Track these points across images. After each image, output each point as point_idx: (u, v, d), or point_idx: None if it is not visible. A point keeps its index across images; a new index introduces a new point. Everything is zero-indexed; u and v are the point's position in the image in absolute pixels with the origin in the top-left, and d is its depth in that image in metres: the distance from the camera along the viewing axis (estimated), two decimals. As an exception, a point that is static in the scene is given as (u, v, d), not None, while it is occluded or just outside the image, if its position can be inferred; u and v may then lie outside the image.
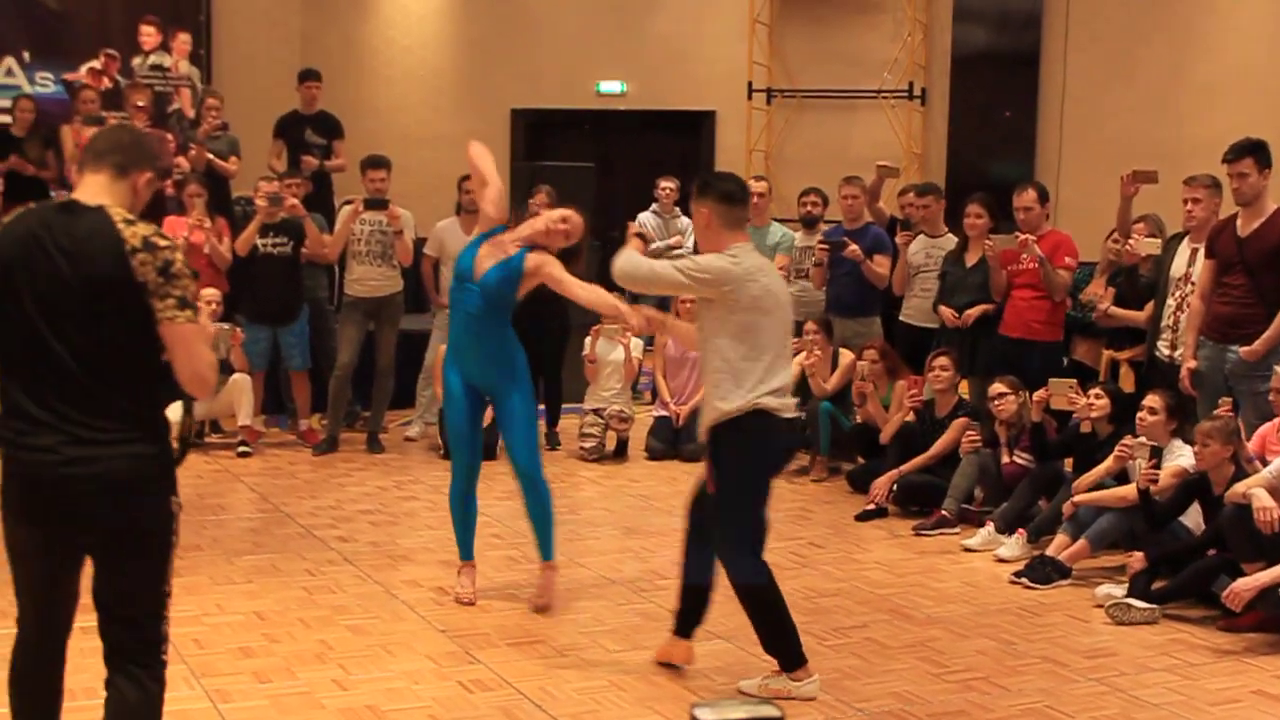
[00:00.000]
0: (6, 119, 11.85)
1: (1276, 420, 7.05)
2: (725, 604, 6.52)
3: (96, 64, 13.29)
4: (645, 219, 12.03)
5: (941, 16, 14.85)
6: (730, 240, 5.32)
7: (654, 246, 11.89)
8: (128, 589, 3.81)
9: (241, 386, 9.76)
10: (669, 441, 10.03)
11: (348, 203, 10.06)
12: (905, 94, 14.89)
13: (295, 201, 9.95)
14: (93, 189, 3.76)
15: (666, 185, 12.01)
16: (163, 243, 3.63)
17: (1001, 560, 7.43)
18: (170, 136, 11.76)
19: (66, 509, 3.67)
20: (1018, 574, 7.11)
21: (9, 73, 13.63)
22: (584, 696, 5.34)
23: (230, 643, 5.81)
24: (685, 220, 12.09)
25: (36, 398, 3.63)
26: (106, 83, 13.12)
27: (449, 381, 6.46)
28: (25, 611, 3.97)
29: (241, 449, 9.75)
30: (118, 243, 3.59)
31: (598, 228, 12.71)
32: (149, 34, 12.83)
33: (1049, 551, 7.19)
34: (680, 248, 11.96)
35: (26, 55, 13.68)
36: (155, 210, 10.88)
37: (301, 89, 11.77)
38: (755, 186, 10.21)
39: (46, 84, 13.62)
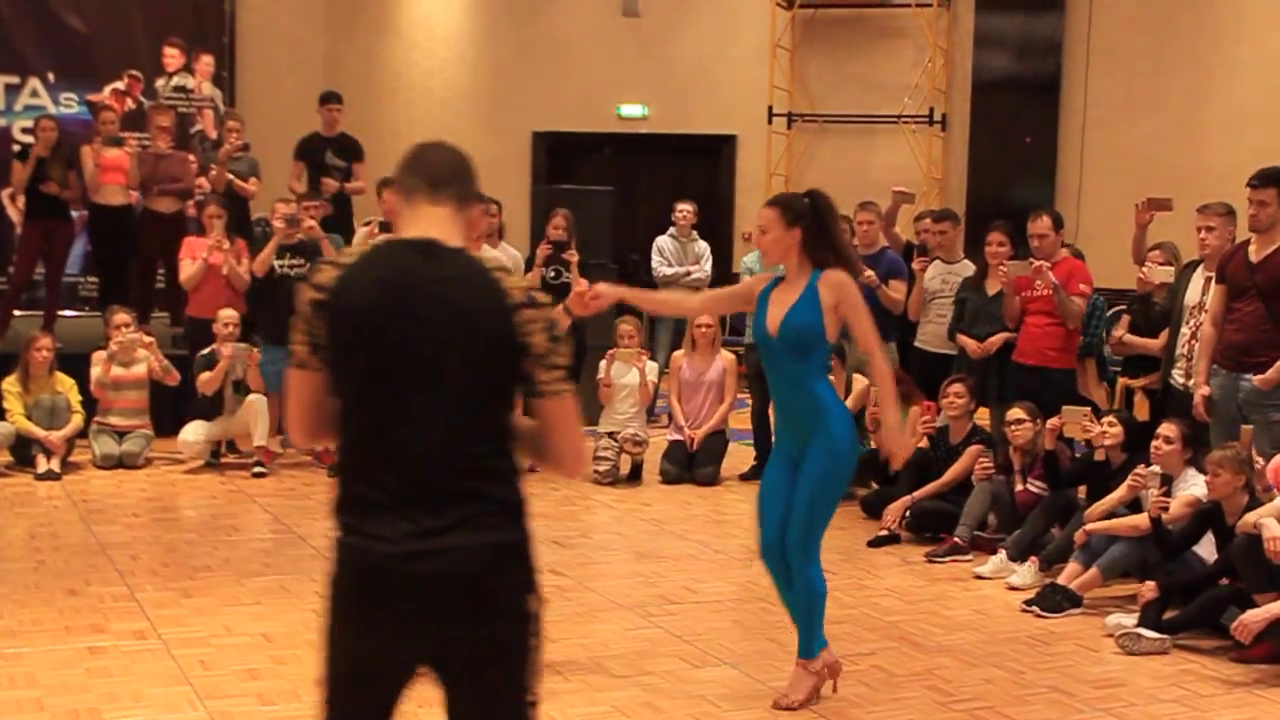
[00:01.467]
0: (30, 139, 11.94)
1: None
2: (731, 630, 6.54)
3: (120, 85, 13.40)
4: (663, 243, 12.06)
5: (962, 42, 14.86)
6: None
7: (670, 272, 11.93)
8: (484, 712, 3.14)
9: (258, 407, 9.80)
10: (683, 465, 10.02)
11: (366, 224, 10.10)
12: (926, 119, 14.89)
13: (312, 223, 10.00)
14: (435, 225, 3.12)
15: (684, 209, 12.02)
16: (541, 297, 3.06)
17: (1013, 588, 7.40)
18: (192, 158, 11.82)
19: (409, 609, 3.00)
20: (1029, 602, 7.08)
21: (34, 93, 13.74)
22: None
23: (236, 664, 5.81)
24: (703, 244, 12.11)
25: (384, 472, 3.01)
26: (130, 104, 13.23)
27: None
28: None
29: (257, 469, 9.78)
30: (499, 295, 3.02)
31: (617, 251, 12.80)
32: (173, 56, 12.93)
33: (1061, 580, 7.15)
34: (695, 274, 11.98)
35: (51, 76, 13.79)
36: (175, 231, 10.97)
37: (323, 111, 11.82)
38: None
39: (70, 104, 13.73)
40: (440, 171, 3.16)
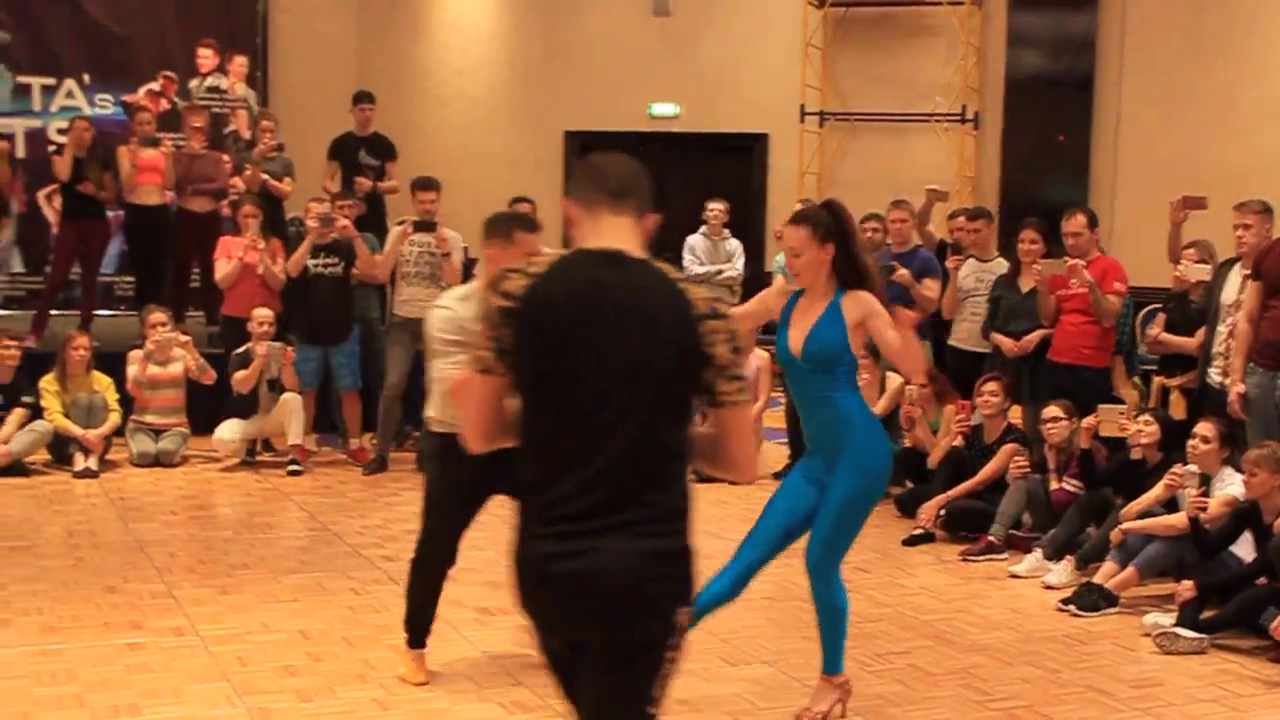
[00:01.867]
0: (65, 139, 12.01)
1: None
2: (768, 628, 6.54)
3: (155, 86, 13.47)
4: (695, 241, 12.04)
5: (995, 40, 14.81)
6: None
7: (701, 271, 11.90)
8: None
9: (292, 406, 9.84)
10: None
11: (399, 223, 10.14)
12: (958, 118, 14.84)
13: (346, 222, 10.04)
14: (618, 235, 3.18)
15: (715, 207, 12.00)
16: (723, 308, 3.13)
17: (1049, 587, 7.38)
18: (226, 157, 11.88)
19: (561, 604, 3.12)
20: (1065, 601, 7.06)
21: (69, 94, 13.82)
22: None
23: (274, 661, 5.85)
24: (735, 243, 12.08)
25: (562, 476, 3.07)
26: (165, 104, 13.30)
27: None
28: None
29: (292, 468, 9.82)
30: (685, 306, 3.07)
31: (650, 249, 12.79)
32: (206, 56, 12.99)
33: (1097, 579, 7.13)
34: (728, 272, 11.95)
35: (87, 78, 13.87)
36: (210, 231, 11.03)
37: (356, 110, 11.86)
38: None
39: (106, 105, 13.81)
40: (620, 183, 3.23)
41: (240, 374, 9.81)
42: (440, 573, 5.73)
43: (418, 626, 5.79)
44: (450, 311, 5.50)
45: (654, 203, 3.26)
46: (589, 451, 3.05)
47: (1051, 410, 8.06)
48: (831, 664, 5.45)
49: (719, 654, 6.15)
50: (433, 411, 5.62)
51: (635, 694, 3.15)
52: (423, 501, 5.67)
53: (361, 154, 11.71)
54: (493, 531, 6.55)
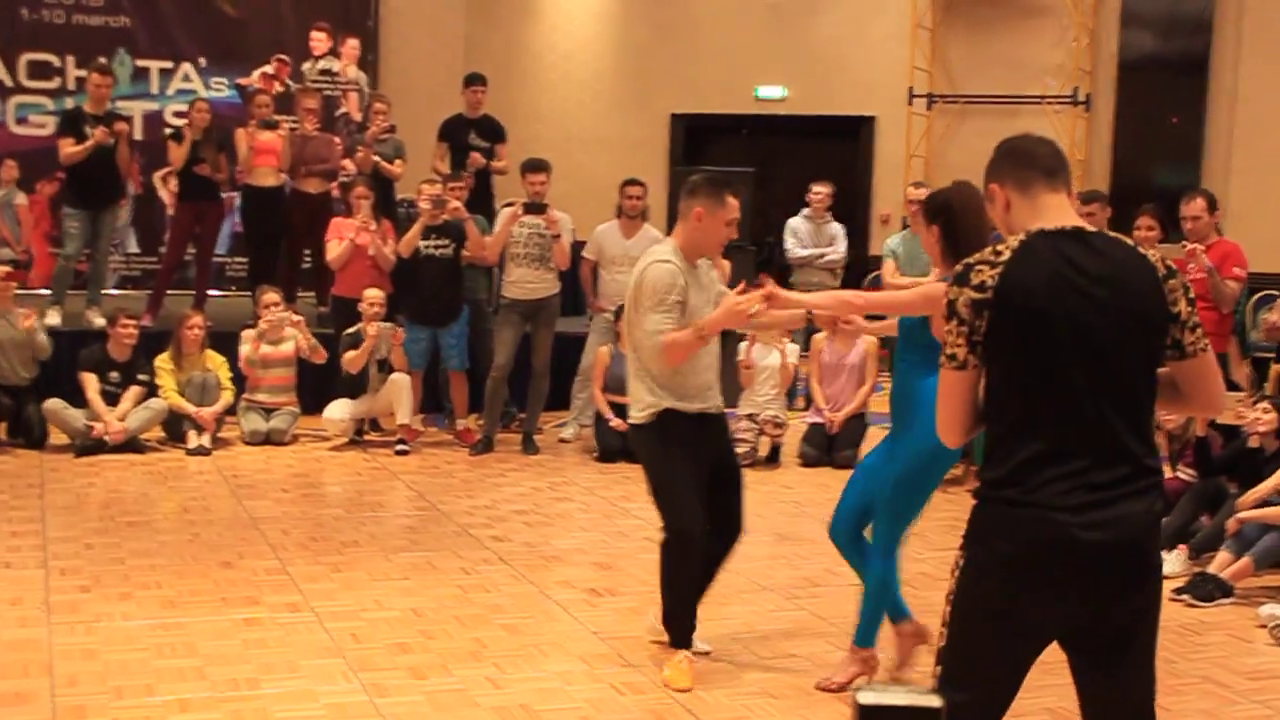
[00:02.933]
0: (182, 121, 12.22)
1: None
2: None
3: (269, 69, 13.63)
4: (796, 224, 11.99)
5: (1108, 21, 14.58)
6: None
7: (804, 253, 11.86)
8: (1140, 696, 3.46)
9: (401, 385, 9.95)
10: (822, 448, 9.99)
11: (508, 205, 10.19)
12: (1070, 100, 14.64)
13: (458, 204, 10.10)
14: (1062, 211, 3.33)
15: (819, 190, 11.94)
16: (1177, 267, 3.30)
17: (1163, 576, 7.27)
18: (337, 140, 12.00)
19: (1088, 579, 3.21)
20: (1179, 591, 6.96)
21: (186, 78, 14.05)
22: (734, 703, 5.36)
23: (387, 638, 5.92)
24: (837, 226, 12.02)
25: (1073, 448, 3.18)
26: (278, 87, 13.45)
27: None
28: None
29: (400, 447, 9.93)
30: (1149, 270, 3.23)
31: (755, 232, 12.76)
32: (319, 39, 13.10)
33: (1211, 569, 7.03)
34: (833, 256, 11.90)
35: (203, 61, 14.09)
36: (322, 212, 11.16)
37: (466, 93, 11.92)
38: (915, 194, 10.15)
39: (221, 88, 14.01)
40: (1052, 161, 3.40)
41: (350, 354, 9.92)
42: (699, 549, 5.52)
43: (681, 622, 5.63)
44: (673, 266, 5.45)
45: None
46: (1101, 423, 3.18)
47: (1166, 397, 7.94)
48: (865, 637, 5.49)
49: (827, 638, 6.14)
50: (635, 400, 5.57)
51: (1150, 659, 3.37)
52: (652, 489, 5.59)
53: (471, 136, 11.77)
54: (597, 513, 6.58)
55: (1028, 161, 3.38)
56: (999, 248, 3.26)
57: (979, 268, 3.21)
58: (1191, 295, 3.27)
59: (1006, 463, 3.21)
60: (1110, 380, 3.19)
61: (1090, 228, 3.28)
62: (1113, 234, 3.31)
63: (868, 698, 2.15)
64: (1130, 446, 3.21)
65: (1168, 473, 7.91)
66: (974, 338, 3.21)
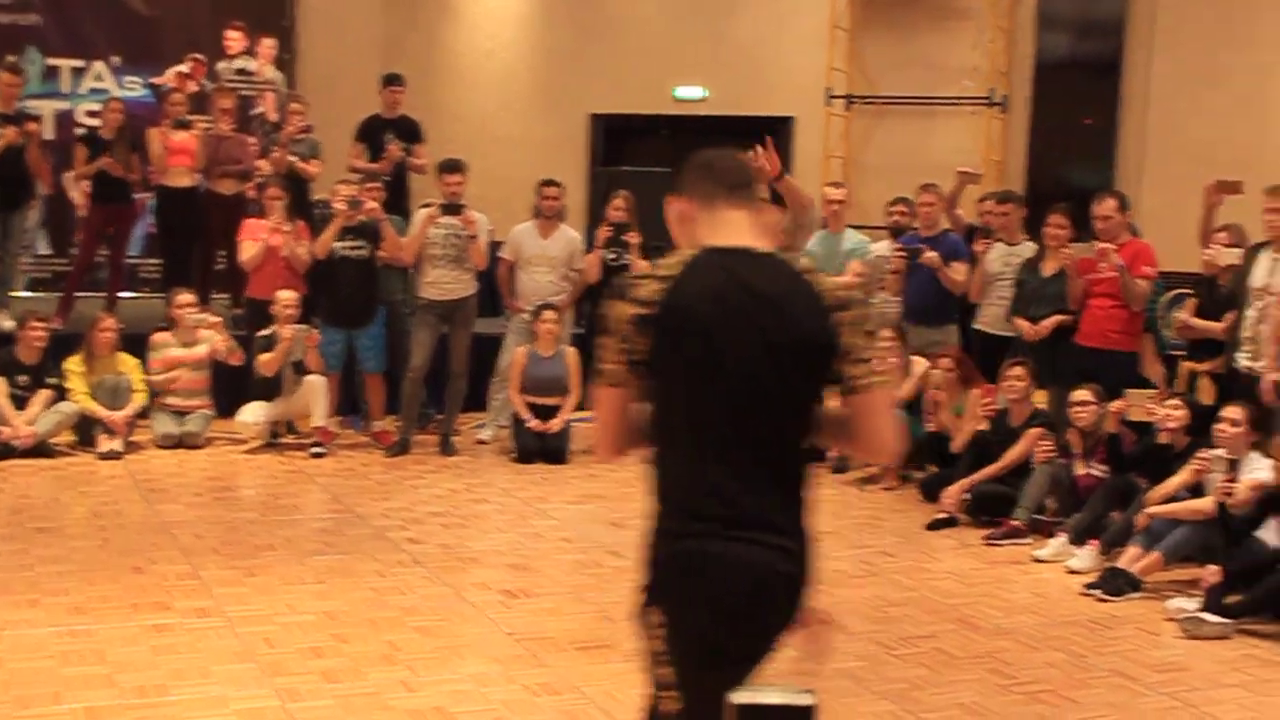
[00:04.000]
0: (96, 122, 12.05)
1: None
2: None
3: (184, 68, 13.46)
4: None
5: (1024, 23, 14.72)
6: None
7: None
8: None
9: (317, 388, 9.87)
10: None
11: (425, 206, 10.14)
12: (986, 101, 14.77)
13: (374, 205, 10.04)
14: (738, 228, 3.20)
15: None
16: (852, 295, 3.17)
17: (1073, 572, 7.37)
18: (252, 140, 11.89)
19: (755, 613, 3.08)
20: (1089, 585, 7.05)
21: (98, 77, 13.83)
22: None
23: (300, 642, 5.86)
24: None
25: (729, 472, 3.08)
26: (193, 86, 13.27)
27: None
28: None
29: (316, 450, 9.85)
30: (818, 300, 3.09)
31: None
32: (235, 39, 12.96)
33: (1121, 563, 7.12)
34: None
35: (116, 60, 13.89)
36: (236, 213, 11.05)
37: (384, 93, 11.85)
38: (833, 193, 10.19)
39: (134, 88, 13.81)
40: (736, 176, 3.25)
41: (265, 356, 9.83)
42: None
43: None
44: None
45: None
46: (732, 446, 3.06)
47: (1080, 394, 8.03)
48: None
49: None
50: None
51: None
52: None
53: (389, 136, 11.70)
54: (513, 514, 6.57)
55: (712, 176, 3.24)
56: (665, 262, 3.16)
57: (642, 282, 3.10)
58: (869, 329, 3.15)
59: (664, 487, 3.16)
60: (767, 403, 3.06)
61: (764, 249, 3.16)
62: (786, 257, 3.18)
63: (742, 697, 2.16)
64: (776, 473, 3.10)
65: (1079, 468, 8.01)
66: (632, 355, 3.08)
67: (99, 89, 13.56)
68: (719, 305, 3.05)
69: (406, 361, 10.14)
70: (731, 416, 3.06)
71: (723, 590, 3.03)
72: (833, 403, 3.15)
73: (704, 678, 3.05)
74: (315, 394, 9.87)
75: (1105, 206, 8.63)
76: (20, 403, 9.51)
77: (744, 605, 3.04)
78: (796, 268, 3.14)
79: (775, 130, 15.71)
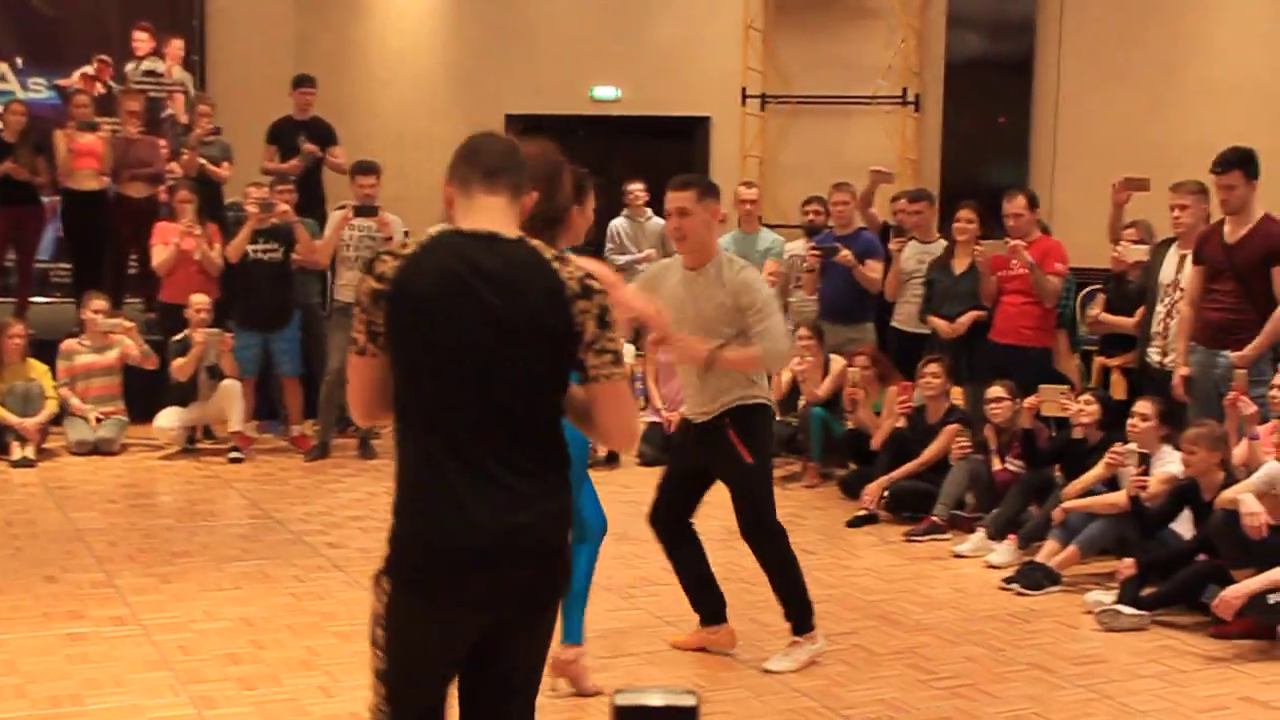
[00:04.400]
0: (-2, 125, 11.85)
1: (1270, 424, 7.05)
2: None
3: (90, 69, 13.26)
4: (618, 225, 11.92)
5: (935, 23, 14.84)
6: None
7: (623, 260, 11.76)
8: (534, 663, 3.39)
9: (232, 392, 9.77)
10: (661, 448, 9.99)
11: (340, 208, 10.06)
12: (899, 100, 14.87)
13: (286, 207, 9.95)
14: (493, 215, 3.24)
15: (635, 188, 11.88)
16: (595, 285, 3.18)
17: (992, 566, 7.43)
18: (163, 142, 11.73)
19: (487, 577, 3.16)
20: (1008, 580, 7.11)
21: (2, 78, 13.60)
22: (568, 702, 5.34)
23: (217, 649, 5.80)
24: (658, 221, 12.01)
25: (455, 454, 3.13)
26: (100, 88, 13.09)
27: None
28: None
29: (233, 455, 9.75)
30: (556, 287, 3.14)
31: (592, 232, 12.75)
32: (142, 39, 12.79)
33: (1039, 558, 7.18)
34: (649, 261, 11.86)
35: (20, 61, 13.64)
36: (147, 216, 10.90)
37: (295, 94, 11.74)
38: (744, 193, 10.23)
39: (39, 89, 13.59)
40: (494, 161, 3.28)
41: (179, 361, 9.71)
42: (658, 534, 6.08)
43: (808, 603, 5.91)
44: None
45: (529, 181, 3.35)
46: (460, 430, 3.12)
47: (995, 391, 8.11)
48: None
49: (664, 637, 6.17)
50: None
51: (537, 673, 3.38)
52: (757, 480, 5.76)
53: (301, 138, 11.59)
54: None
55: (471, 161, 3.30)
56: (406, 241, 3.30)
57: (384, 258, 3.19)
58: (609, 319, 3.18)
59: (400, 460, 3.22)
60: (495, 387, 3.13)
61: (509, 234, 3.21)
62: (533, 244, 3.22)
63: (624, 699, 2.14)
64: (507, 454, 3.15)
65: (996, 464, 8.08)
66: (373, 326, 3.16)
67: (3, 90, 13.32)
68: (444, 286, 3.11)
69: (323, 365, 10.06)
70: (451, 394, 3.13)
71: (442, 567, 3.13)
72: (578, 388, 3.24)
73: (419, 646, 3.21)
74: (231, 399, 9.77)
75: (1015, 204, 8.73)
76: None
77: (461, 580, 3.13)
78: (542, 255, 3.18)
79: (691, 130, 15.80)
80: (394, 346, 3.16)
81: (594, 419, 3.26)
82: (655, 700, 2.19)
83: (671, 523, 5.97)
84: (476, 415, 3.12)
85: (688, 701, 2.19)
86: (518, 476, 3.14)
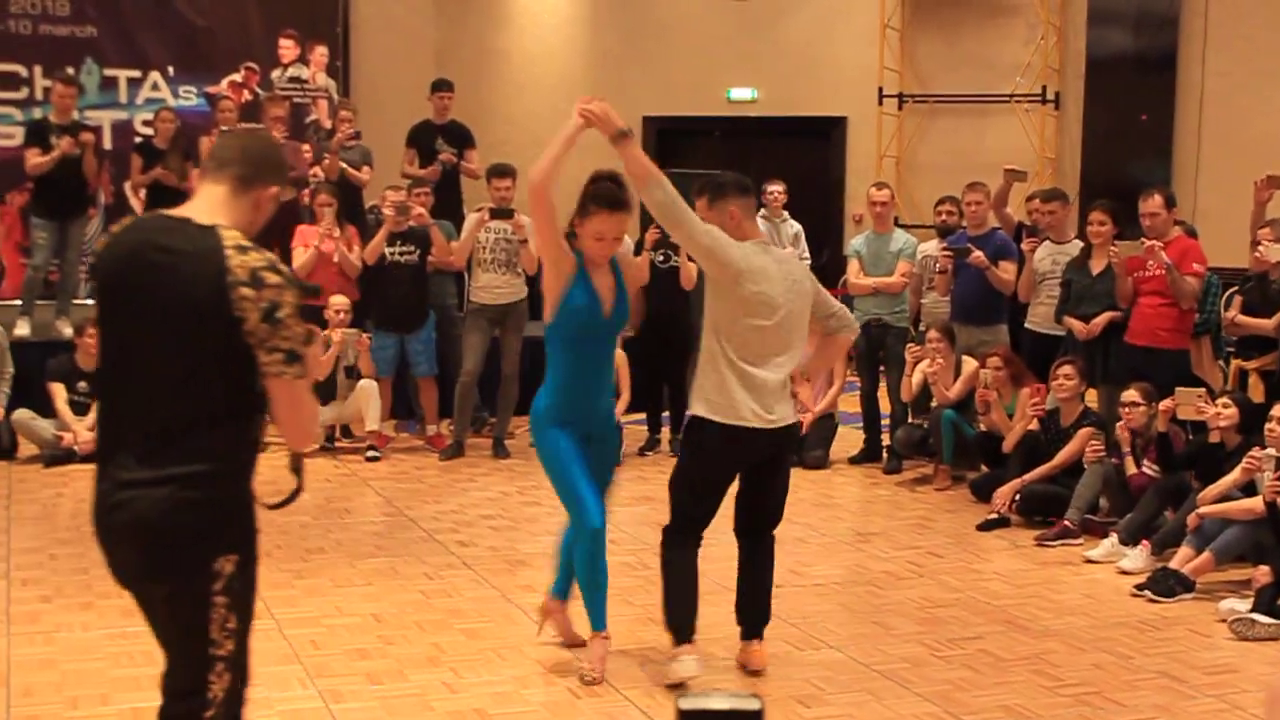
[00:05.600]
0: (150, 131, 12.20)
1: None
2: (838, 613, 6.54)
3: (237, 77, 13.65)
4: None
5: (1076, 19, 14.64)
6: (750, 234, 5.56)
7: None
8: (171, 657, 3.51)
9: (369, 392, 9.95)
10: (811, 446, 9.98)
11: (476, 211, 10.20)
12: (1039, 98, 14.69)
13: (422, 210, 10.11)
14: (210, 203, 3.40)
15: (774, 189, 11.90)
16: (273, 279, 3.23)
17: (1124, 572, 7.31)
18: (306, 147, 12.00)
19: (109, 551, 3.41)
20: (1140, 586, 6.99)
21: (154, 86, 14.01)
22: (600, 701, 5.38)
23: (346, 644, 5.92)
24: (795, 225, 12.01)
25: (109, 426, 3.39)
26: (246, 95, 13.46)
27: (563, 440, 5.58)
28: None
29: (370, 454, 9.93)
30: (221, 271, 3.21)
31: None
32: (288, 47, 13.12)
33: (1173, 564, 7.05)
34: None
35: (171, 70, 14.06)
36: (288, 219, 11.14)
37: (434, 99, 11.94)
38: (877, 195, 10.16)
39: (189, 97, 13.99)
40: (223, 154, 3.48)
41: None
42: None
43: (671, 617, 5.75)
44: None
45: (277, 177, 3.48)
46: (127, 406, 3.33)
47: (1130, 395, 7.97)
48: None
49: (787, 639, 6.15)
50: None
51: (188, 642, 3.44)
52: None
53: (439, 141, 11.79)
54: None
55: (210, 153, 3.55)
56: (125, 221, 3.49)
57: (105, 237, 3.43)
58: (280, 316, 3.22)
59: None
60: (160, 369, 3.28)
61: (205, 221, 3.31)
62: (222, 231, 3.29)
63: (688, 703, 2.16)
64: (169, 434, 3.28)
65: (1130, 468, 7.95)
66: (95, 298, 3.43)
67: (155, 99, 13.74)
68: (118, 264, 3.34)
69: (459, 366, 10.20)
70: (115, 370, 3.36)
71: (111, 535, 3.35)
72: None
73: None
74: (368, 398, 9.95)
75: (1151, 203, 8.56)
76: (80, 409, 9.64)
77: (124, 548, 3.35)
78: (220, 242, 3.26)
79: (829, 130, 15.76)
80: (97, 317, 3.44)
81: (273, 416, 3.40)
82: (719, 704, 2.21)
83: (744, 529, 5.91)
84: (127, 389, 3.32)
85: (752, 705, 2.20)
86: (139, 457, 3.28)
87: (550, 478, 5.56)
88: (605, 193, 5.54)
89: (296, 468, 3.72)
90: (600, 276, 5.58)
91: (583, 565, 5.52)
